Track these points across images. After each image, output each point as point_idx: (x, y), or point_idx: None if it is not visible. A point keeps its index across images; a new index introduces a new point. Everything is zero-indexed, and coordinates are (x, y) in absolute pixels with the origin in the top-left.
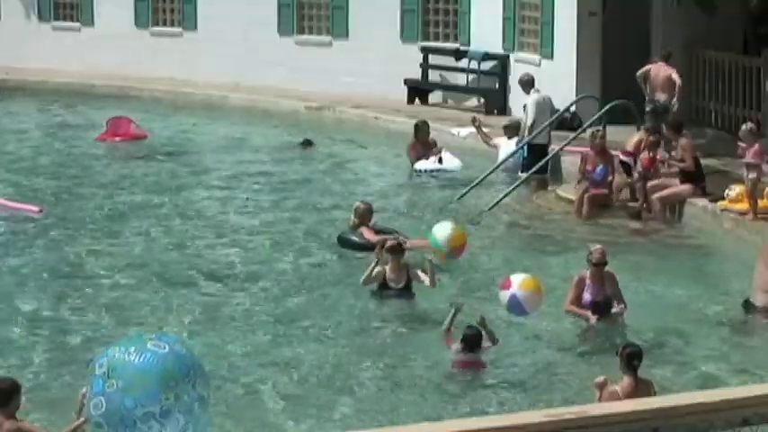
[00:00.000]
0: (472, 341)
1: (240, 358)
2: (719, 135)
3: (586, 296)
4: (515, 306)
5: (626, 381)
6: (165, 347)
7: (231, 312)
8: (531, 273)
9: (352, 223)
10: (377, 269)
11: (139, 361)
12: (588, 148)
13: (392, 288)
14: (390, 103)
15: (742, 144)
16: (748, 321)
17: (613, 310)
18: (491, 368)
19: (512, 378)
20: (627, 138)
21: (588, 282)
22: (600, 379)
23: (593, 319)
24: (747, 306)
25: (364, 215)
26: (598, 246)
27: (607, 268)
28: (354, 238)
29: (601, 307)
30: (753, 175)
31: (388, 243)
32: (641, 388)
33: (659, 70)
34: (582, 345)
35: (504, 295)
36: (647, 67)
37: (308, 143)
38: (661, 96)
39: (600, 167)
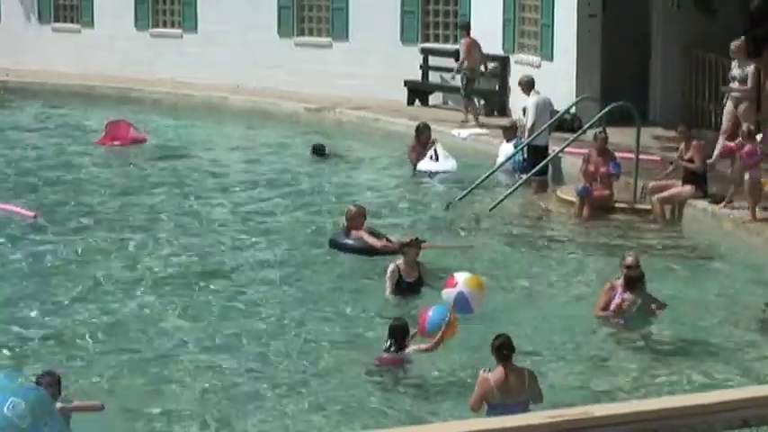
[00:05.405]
0: (397, 333)
1: (230, 358)
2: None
3: (617, 300)
4: (462, 304)
5: (498, 369)
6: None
7: (224, 312)
8: (533, 274)
9: (342, 226)
10: (391, 266)
11: None
12: (587, 150)
13: (405, 281)
14: (390, 105)
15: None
16: (763, 323)
17: (653, 306)
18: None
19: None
20: (626, 139)
21: (620, 289)
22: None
23: (620, 321)
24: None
25: (355, 218)
26: (632, 252)
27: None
28: (348, 242)
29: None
30: (748, 176)
31: (408, 238)
32: (511, 375)
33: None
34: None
35: (450, 293)
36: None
37: (321, 151)
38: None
39: (613, 163)
